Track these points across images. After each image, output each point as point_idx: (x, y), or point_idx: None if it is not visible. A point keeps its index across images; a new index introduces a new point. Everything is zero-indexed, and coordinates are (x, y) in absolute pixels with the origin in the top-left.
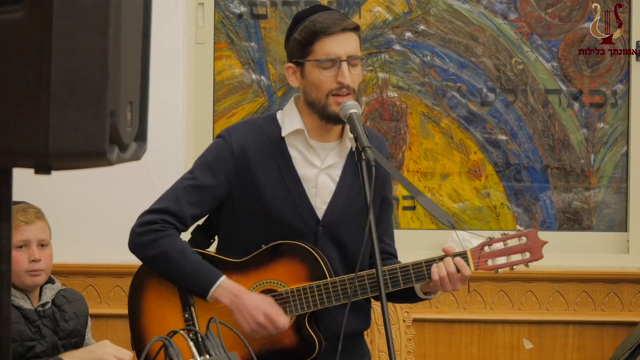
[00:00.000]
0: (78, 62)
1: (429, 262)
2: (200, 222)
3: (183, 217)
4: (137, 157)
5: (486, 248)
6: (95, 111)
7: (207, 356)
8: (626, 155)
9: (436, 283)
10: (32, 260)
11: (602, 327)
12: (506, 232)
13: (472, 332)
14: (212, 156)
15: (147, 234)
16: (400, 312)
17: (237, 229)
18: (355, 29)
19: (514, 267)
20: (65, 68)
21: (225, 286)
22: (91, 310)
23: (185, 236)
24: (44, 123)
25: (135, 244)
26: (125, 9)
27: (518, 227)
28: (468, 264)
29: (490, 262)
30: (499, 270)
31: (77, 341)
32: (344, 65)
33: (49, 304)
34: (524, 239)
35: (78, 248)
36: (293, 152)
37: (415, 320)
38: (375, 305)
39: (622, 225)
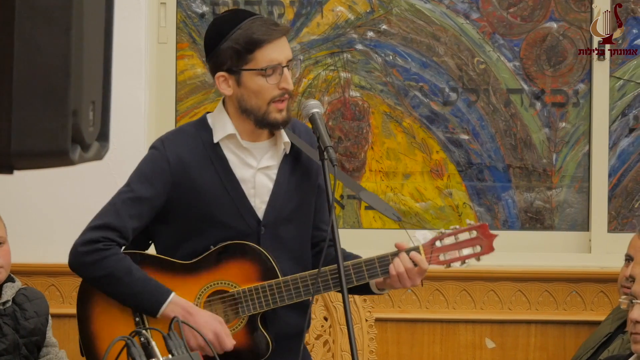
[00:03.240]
0: (40, 62)
1: (382, 259)
2: None
3: (125, 231)
4: (99, 156)
5: (437, 243)
6: (58, 111)
7: (170, 356)
8: (588, 154)
9: (394, 279)
10: None
11: (564, 326)
12: (457, 226)
13: (434, 332)
14: (148, 168)
15: (90, 254)
16: (363, 312)
17: (181, 236)
18: (288, 31)
19: (466, 261)
20: (27, 68)
21: (176, 302)
22: (53, 310)
23: None
24: (5, 123)
25: (79, 264)
26: (87, 9)
27: (468, 221)
28: None
29: (442, 257)
30: (451, 264)
31: (37, 339)
32: (286, 71)
33: (10, 303)
34: (474, 233)
35: (40, 248)
36: (228, 155)
37: (377, 320)
38: (338, 305)
39: (584, 224)
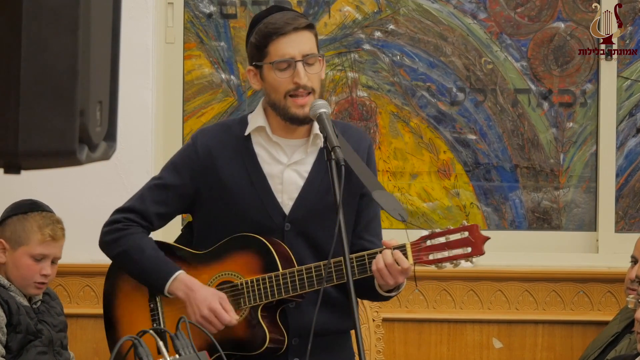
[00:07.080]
0: (48, 62)
1: (371, 255)
2: (191, 219)
3: (147, 214)
4: (106, 156)
5: (427, 242)
6: (65, 111)
7: (177, 356)
8: (595, 154)
9: (376, 275)
10: (43, 274)
11: (572, 326)
12: (449, 226)
13: (441, 332)
14: (178, 157)
15: (110, 234)
16: (370, 312)
17: (209, 228)
18: (308, 27)
19: (455, 262)
20: (34, 67)
21: (181, 280)
22: None
23: (175, 233)
24: (13, 122)
25: (102, 244)
26: (95, 9)
27: (464, 222)
28: (406, 257)
29: (431, 256)
30: (440, 264)
31: (65, 335)
32: (299, 65)
33: (39, 302)
34: (465, 234)
35: None
36: (258, 150)
37: (384, 320)
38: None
39: (591, 224)
